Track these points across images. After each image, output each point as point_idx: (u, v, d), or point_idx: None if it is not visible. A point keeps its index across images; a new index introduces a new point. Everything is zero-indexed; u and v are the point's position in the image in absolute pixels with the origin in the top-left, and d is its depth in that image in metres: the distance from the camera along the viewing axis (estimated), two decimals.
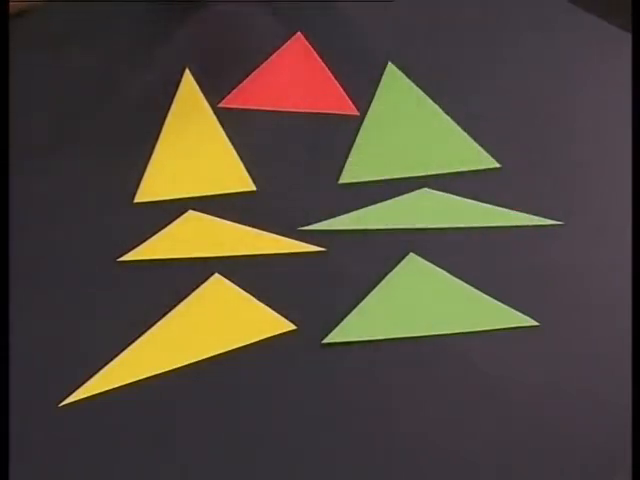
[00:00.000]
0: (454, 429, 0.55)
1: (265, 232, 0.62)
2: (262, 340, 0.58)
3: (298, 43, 0.75)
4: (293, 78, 0.73)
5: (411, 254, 0.62)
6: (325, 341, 0.58)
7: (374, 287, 0.60)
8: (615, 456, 0.53)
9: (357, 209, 0.64)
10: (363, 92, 0.71)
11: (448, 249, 0.62)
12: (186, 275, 0.60)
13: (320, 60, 0.74)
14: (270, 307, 0.59)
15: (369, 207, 0.65)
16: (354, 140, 0.68)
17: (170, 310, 0.58)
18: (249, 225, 0.63)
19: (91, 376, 0.55)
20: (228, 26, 0.76)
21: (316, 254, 0.61)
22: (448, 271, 0.61)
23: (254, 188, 0.65)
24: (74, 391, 0.55)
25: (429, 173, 0.67)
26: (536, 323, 0.59)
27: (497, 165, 0.67)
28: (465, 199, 0.65)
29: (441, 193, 0.66)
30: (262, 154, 0.67)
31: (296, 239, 0.62)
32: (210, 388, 0.56)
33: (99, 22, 0.74)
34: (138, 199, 0.64)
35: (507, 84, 0.72)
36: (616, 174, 0.66)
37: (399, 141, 0.69)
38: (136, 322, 0.58)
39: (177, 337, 0.58)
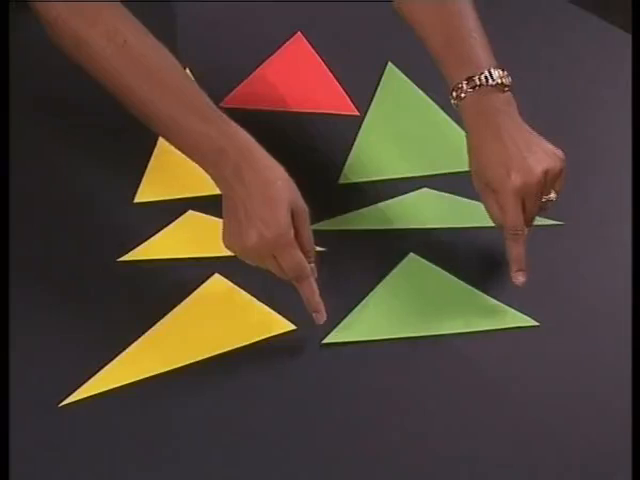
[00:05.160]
0: (454, 428, 0.55)
1: None
2: (262, 340, 0.58)
3: (298, 43, 0.75)
4: (293, 78, 0.73)
5: (411, 254, 0.62)
6: (324, 341, 0.58)
7: (374, 287, 0.60)
8: (615, 456, 0.53)
9: (357, 209, 0.64)
10: (363, 92, 0.71)
11: (448, 249, 0.62)
12: (186, 275, 0.60)
13: (320, 60, 0.74)
14: (270, 307, 0.59)
15: (369, 207, 0.65)
16: (354, 140, 0.68)
17: (170, 310, 0.58)
18: None
19: (91, 376, 0.55)
20: (228, 26, 0.76)
21: (316, 254, 0.61)
22: (448, 271, 0.61)
23: None
24: (74, 391, 0.55)
25: (429, 173, 0.67)
26: (536, 323, 0.59)
27: None
28: (465, 199, 0.65)
29: (441, 193, 0.66)
30: None
31: None
32: (210, 388, 0.56)
33: None
34: (138, 199, 0.64)
35: None
36: (616, 174, 0.66)
37: (399, 141, 0.69)
38: (136, 322, 0.58)
39: (177, 337, 0.58)
